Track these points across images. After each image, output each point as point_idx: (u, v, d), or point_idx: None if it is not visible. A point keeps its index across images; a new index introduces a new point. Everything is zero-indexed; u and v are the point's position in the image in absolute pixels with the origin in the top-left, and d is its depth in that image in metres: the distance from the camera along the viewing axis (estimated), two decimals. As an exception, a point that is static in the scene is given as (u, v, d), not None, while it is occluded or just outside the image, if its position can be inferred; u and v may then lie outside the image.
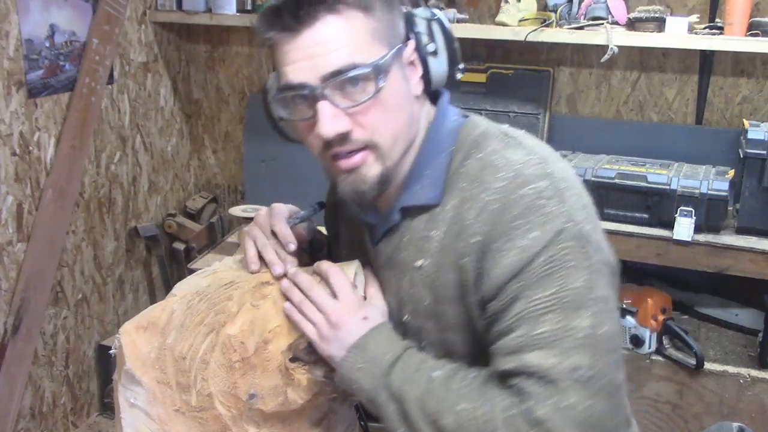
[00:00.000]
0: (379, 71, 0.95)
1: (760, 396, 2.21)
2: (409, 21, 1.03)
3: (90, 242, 2.66)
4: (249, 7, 2.94)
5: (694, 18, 2.47)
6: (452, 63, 1.05)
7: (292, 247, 1.12)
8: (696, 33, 2.44)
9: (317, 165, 3.70)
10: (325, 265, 1.08)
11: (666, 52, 2.68)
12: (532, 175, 0.95)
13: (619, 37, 2.42)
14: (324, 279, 1.07)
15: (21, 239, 2.30)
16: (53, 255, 2.43)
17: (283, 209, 1.21)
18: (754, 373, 2.23)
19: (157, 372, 1.07)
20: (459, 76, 1.06)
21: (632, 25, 2.50)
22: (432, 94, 1.09)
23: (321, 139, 0.97)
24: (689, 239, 2.25)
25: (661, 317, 2.31)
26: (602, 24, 2.48)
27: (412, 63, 1.02)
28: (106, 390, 2.74)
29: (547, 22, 2.53)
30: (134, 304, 2.96)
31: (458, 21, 2.69)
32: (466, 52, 2.91)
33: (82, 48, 2.45)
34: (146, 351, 1.07)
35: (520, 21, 2.60)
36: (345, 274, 1.07)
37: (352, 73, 0.93)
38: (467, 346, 1.02)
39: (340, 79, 0.94)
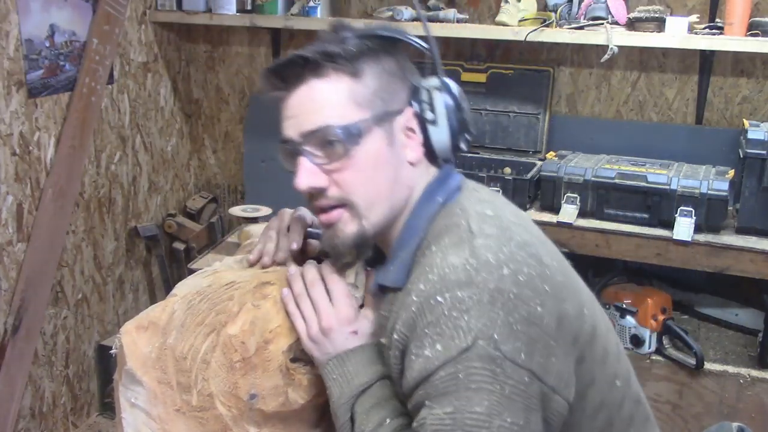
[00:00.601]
0: (349, 133, 1.00)
1: (760, 396, 2.22)
2: (414, 90, 1.07)
3: (90, 242, 2.66)
4: (249, 7, 2.94)
5: (694, 18, 2.47)
6: (456, 133, 1.07)
7: (294, 246, 1.17)
8: (696, 33, 2.44)
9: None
10: (327, 270, 1.09)
11: (666, 52, 2.68)
12: (455, 282, 0.91)
13: (619, 37, 2.42)
14: (324, 279, 1.08)
15: (21, 239, 2.30)
16: (53, 255, 2.43)
17: (309, 215, 1.24)
18: (754, 373, 2.23)
19: (158, 372, 1.07)
20: (464, 147, 1.08)
21: (632, 25, 2.50)
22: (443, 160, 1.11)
23: (299, 190, 1.04)
24: (689, 239, 2.25)
25: (661, 317, 2.31)
26: (602, 24, 2.48)
27: (410, 130, 1.06)
28: (106, 390, 2.74)
29: (547, 22, 2.53)
30: (134, 304, 2.96)
31: (458, 21, 2.69)
32: (466, 52, 2.93)
33: (82, 48, 2.45)
34: (147, 351, 1.07)
35: (520, 21, 2.60)
36: (344, 281, 1.08)
37: (323, 134, 1.00)
38: None
39: (315, 137, 1.01)
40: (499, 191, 2.58)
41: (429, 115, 1.05)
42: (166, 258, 3.03)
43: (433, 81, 1.07)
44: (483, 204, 1.04)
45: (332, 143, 1.00)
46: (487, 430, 0.86)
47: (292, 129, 1.04)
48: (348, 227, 1.03)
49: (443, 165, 1.11)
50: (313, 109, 1.01)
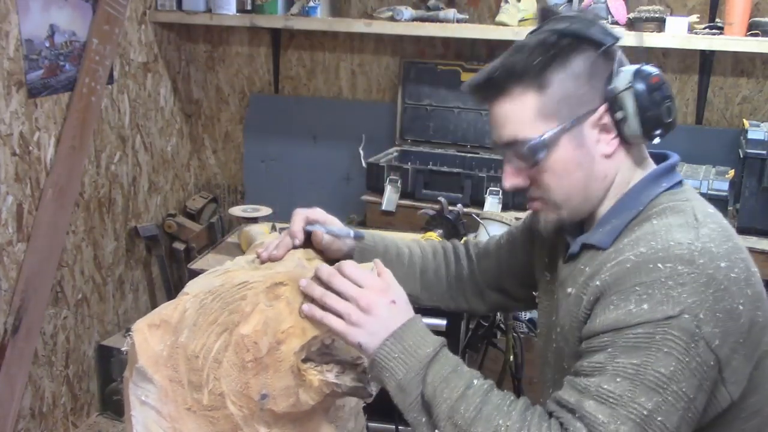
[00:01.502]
0: (536, 148, 1.07)
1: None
2: (605, 89, 1.07)
3: (90, 242, 2.66)
4: (249, 7, 2.94)
5: (694, 18, 2.47)
6: (648, 129, 1.07)
7: (297, 242, 1.21)
8: (696, 33, 2.44)
9: (316, 166, 3.68)
10: (339, 263, 1.09)
11: (666, 52, 2.68)
12: (678, 256, 0.97)
13: (619, 37, 2.42)
14: (340, 272, 1.07)
15: (21, 239, 2.29)
16: (53, 255, 2.43)
17: (321, 215, 1.27)
18: (755, 372, 2.23)
19: (169, 370, 1.06)
20: (656, 141, 1.09)
21: (632, 25, 2.50)
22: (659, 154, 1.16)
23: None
24: (689, 239, 2.25)
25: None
26: (602, 24, 2.48)
27: (603, 126, 1.08)
28: (107, 390, 2.74)
29: (547, 22, 2.53)
30: (134, 304, 2.96)
31: (458, 21, 2.69)
32: (466, 52, 2.93)
33: (82, 48, 2.45)
34: (158, 349, 1.07)
35: (520, 21, 2.60)
36: (356, 264, 1.08)
37: (512, 149, 1.09)
38: None
39: (509, 150, 1.10)
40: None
41: (619, 115, 1.06)
42: (166, 258, 3.03)
43: (625, 74, 1.06)
44: (704, 203, 1.10)
45: (526, 153, 1.07)
46: (663, 390, 0.93)
47: (494, 136, 1.13)
48: (549, 216, 1.13)
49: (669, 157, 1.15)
50: (502, 125, 1.09)
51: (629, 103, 1.05)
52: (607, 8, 2.53)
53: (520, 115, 1.07)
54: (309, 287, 1.06)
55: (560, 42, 1.06)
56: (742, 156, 2.33)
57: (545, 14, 1.13)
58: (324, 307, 1.05)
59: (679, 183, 1.12)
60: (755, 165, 2.26)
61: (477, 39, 2.81)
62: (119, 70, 2.74)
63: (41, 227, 2.34)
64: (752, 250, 2.23)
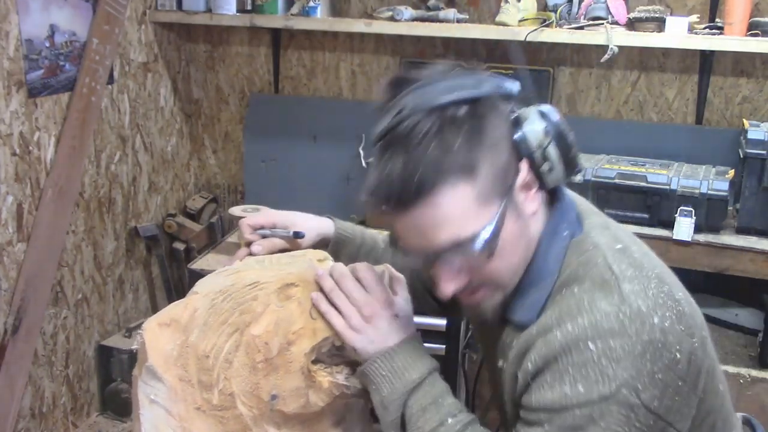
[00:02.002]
0: (486, 241, 0.94)
1: (760, 396, 2.22)
2: (521, 144, 0.98)
3: (90, 242, 2.66)
4: (249, 7, 2.94)
5: (694, 18, 2.47)
6: (569, 172, 1.01)
7: (256, 250, 1.24)
8: (696, 33, 2.44)
9: (316, 166, 3.68)
10: (354, 264, 1.09)
11: (666, 52, 2.68)
12: (608, 331, 0.92)
13: (619, 37, 2.42)
14: (353, 273, 1.08)
15: (21, 239, 2.29)
16: (53, 255, 2.43)
17: (265, 218, 1.27)
18: (754, 373, 2.23)
19: (179, 369, 1.06)
20: (578, 179, 1.03)
21: (632, 25, 2.51)
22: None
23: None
24: (689, 239, 2.25)
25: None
26: (602, 24, 2.48)
27: (527, 185, 0.99)
28: (106, 390, 2.74)
29: (547, 22, 2.53)
30: (134, 304, 2.96)
31: (458, 21, 2.69)
32: (466, 52, 2.92)
33: (82, 48, 2.45)
34: (168, 348, 1.06)
35: (520, 21, 2.60)
36: (374, 269, 1.08)
37: (457, 254, 0.95)
38: None
39: (451, 255, 0.96)
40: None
41: (546, 166, 0.98)
42: (166, 258, 3.03)
43: (534, 123, 0.98)
44: (606, 233, 1.04)
45: (474, 252, 0.95)
46: None
47: (419, 248, 0.97)
48: (494, 300, 1.03)
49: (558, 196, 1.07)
50: (434, 229, 0.94)
51: (552, 151, 0.98)
52: (607, 8, 2.53)
53: (459, 212, 0.93)
54: (322, 278, 1.07)
55: (460, 116, 0.93)
56: (742, 156, 2.33)
57: (397, 84, 0.96)
58: (330, 303, 1.06)
59: (577, 220, 1.05)
60: (755, 165, 2.26)
61: (477, 39, 2.81)
62: (119, 70, 2.74)
63: (41, 227, 2.34)
64: (752, 251, 2.23)
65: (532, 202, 1.01)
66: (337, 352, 1.07)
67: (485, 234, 0.94)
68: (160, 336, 1.07)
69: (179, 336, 1.07)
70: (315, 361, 1.05)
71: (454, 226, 0.93)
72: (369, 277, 1.08)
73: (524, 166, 0.98)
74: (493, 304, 1.04)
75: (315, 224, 1.31)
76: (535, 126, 0.98)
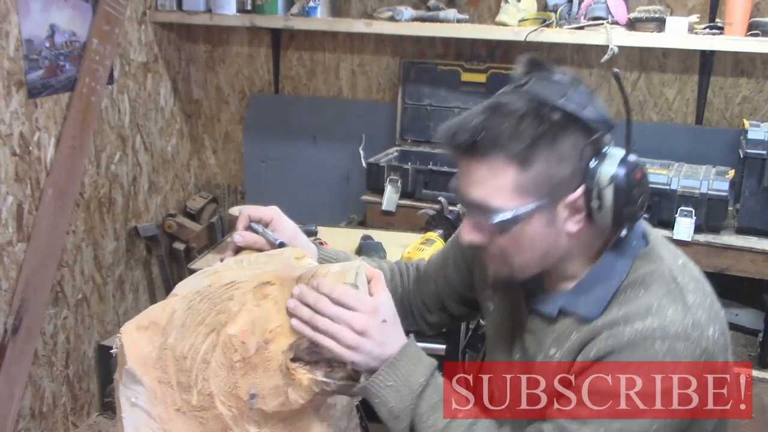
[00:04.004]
0: (504, 222, 1.04)
1: (760, 396, 2.22)
2: (588, 174, 1.04)
3: (90, 242, 2.66)
4: (249, 7, 2.94)
5: (694, 18, 2.47)
6: (618, 222, 1.05)
7: (239, 243, 1.25)
8: (696, 33, 2.44)
9: (316, 166, 3.68)
10: (326, 283, 1.07)
11: (666, 52, 2.68)
12: (675, 334, 1.01)
13: (619, 37, 2.42)
14: (330, 297, 1.06)
15: (21, 239, 2.30)
16: (53, 255, 2.43)
17: (269, 213, 1.29)
18: (754, 373, 2.23)
19: (158, 371, 1.07)
20: (623, 234, 1.08)
21: (632, 25, 2.51)
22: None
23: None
24: (689, 239, 2.25)
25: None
26: (602, 24, 2.48)
27: (576, 208, 1.06)
28: (107, 390, 2.74)
29: (547, 22, 2.53)
30: (134, 304, 2.96)
31: (458, 21, 2.69)
32: (466, 52, 2.93)
33: (82, 48, 2.45)
34: (147, 350, 1.07)
35: (520, 21, 2.60)
36: (341, 283, 1.06)
37: (478, 212, 1.06)
38: None
39: (474, 210, 1.07)
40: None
41: (594, 204, 1.04)
42: (166, 258, 3.03)
43: (612, 161, 1.03)
44: (668, 248, 1.14)
45: (489, 223, 1.04)
46: None
47: (459, 188, 1.08)
48: (502, 272, 1.12)
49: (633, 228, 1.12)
50: (474, 184, 1.05)
51: (608, 195, 1.03)
52: (607, 8, 2.53)
53: (496, 184, 1.03)
54: (297, 309, 1.05)
55: (551, 118, 1.01)
56: (742, 156, 2.33)
57: (533, 65, 1.08)
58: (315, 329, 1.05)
59: (643, 235, 1.12)
60: (755, 165, 2.26)
61: (477, 39, 2.81)
62: (119, 70, 2.74)
63: (41, 227, 2.34)
64: (752, 251, 2.23)
65: (575, 224, 1.07)
66: (316, 349, 1.06)
67: (504, 216, 1.03)
68: (138, 339, 1.07)
69: (158, 338, 1.07)
70: (294, 359, 1.05)
71: (485, 191, 1.04)
72: (344, 293, 1.06)
73: (580, 191, 1.04)
74: (502, 276, 1.13)
75: (303, 244, 1.32)
76: (610, 167, 1.03)
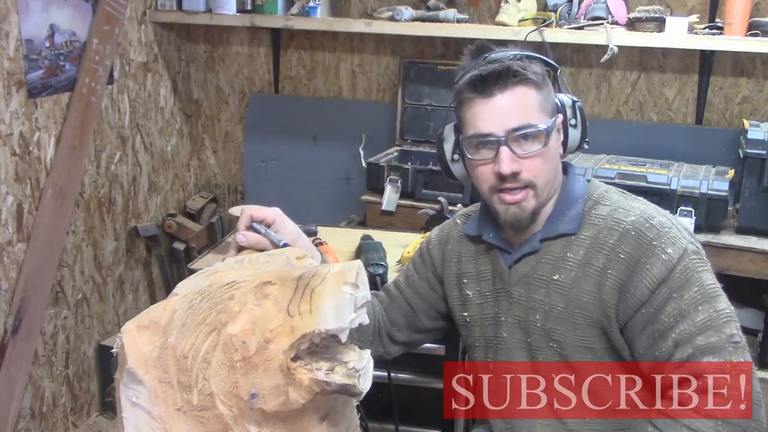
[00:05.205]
0: (547, 132, 1.26)
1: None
2: (561, 102, 1.34)
3: (90, 242, 2.66)
4: (249, 7, 2.94)
5: (694, 18, 2.47)
6: (583, 136, 1.36)
7: (241, 242, 1.29)
8: (696, 33, 2.44)
9: (316, 166, 3.68)
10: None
11: (666, 52, 2.69)
12: (652, 214, 1.26)
13: (619, 37, 2.42)
14: None
15: (21, 239, 2.30)
16: (53, 255, 2.43)
17: (273, 214, 1.32)
18: (754, 373, 2.23)
19: (159, 371, 1.06)
20: (586, 147, 1.37)
21: (632, 25, 2.51)
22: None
23: (497, 175, 1.27)
24: (689, 239, 2.24)
25: (661, 317, 2.31)
26: (602, 24, 2.48)
27: (558, 130, 1.33)
28: (107, 390, 2.74)
29: (547, 22, 2.53)
30: (134, 304, 2.96)
31: (458, 21, 2.69)
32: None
33: (82, 48, 2.45)
34: (148, 350, 1.07)
35: (520, 21, 2.60)
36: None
37: (528, 130, 1.25)
38: (595, 340, 1.29)
39: (519, 133, 1.25)
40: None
41: (572, 121, 1.34)
42: (166, 258, 3.03)
43: (567, 98, 1.35)
44: (608, 186, 1.38)
45: (529, 138, 1.26)
46: (719, 291, 1.21)
47: (495, 126, 1.26)
48: (530, 204, 1.29)
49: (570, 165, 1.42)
50: (517, 111, 1.25)
51: (578, 113, 1.34)
52: (607, 8, 2.53)
53: (532, 104, 1.26)
54: None
55: (537, 61, 1.31)
56: (742, 156, 2.33)
57: (481, 48, 1.34)
58: None
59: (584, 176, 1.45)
60: (755, 165, 2.26)
61: (477, 39, 2.81)
62: (119, 70, 2.74)
63: (41, 227, 2.34)
64: (752, 251, 2.23)
65: (559, 147, 1.33)
66: (317, 349, 1.06)
67: (545, 125, 1.26)
68: (139, 338, 1.07)
69: (158, 338, 1.07)
70: (294, 359, 1.05)
71: (527, 113, 1.26)
72: None
73: (560, 116, 1.32)
74: (529, 209, 1.28)
75: (305, 246, 1.35)
76: (567, 99, 1.35)
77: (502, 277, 1.38)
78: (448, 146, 1.40)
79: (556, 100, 1.33)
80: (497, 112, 1.26)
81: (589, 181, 1.39)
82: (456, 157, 1.39)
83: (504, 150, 1.25)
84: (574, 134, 1.35)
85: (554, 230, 1.31)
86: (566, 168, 1.38)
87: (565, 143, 1.35)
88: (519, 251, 1.35)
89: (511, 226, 1.32)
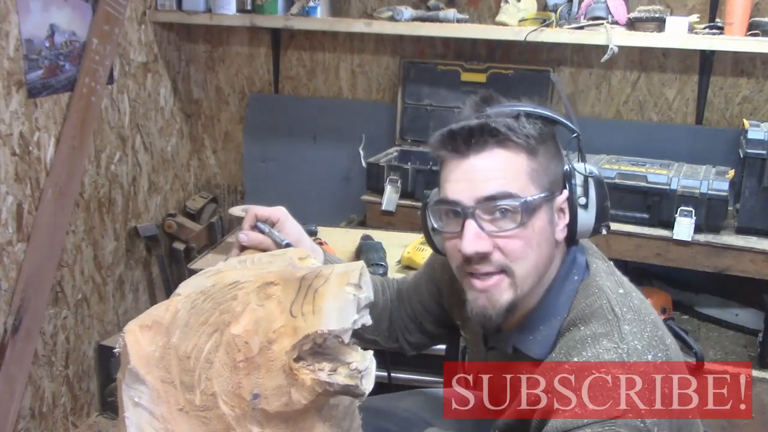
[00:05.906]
0: (527, 207, 1.05)
1: (760, 396, 2.22)
2: (568, 174, 1.12)
3: (90, 242, 2.66)
4: (249, 7, 2.94)
5: (694, 18, 2.47)
6: (599, 219, 1.13)
7: (243, 242, 1.25)
8: (696, 33, 2.44)
9: (316, 166, 3.68)
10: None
11: (666, 52, 2.69)
12: (610, 362, 1.00)
13: (619, 37, 2.42)
14: None
15: (21, 239, 2.29)
16: (53, 255, 2.43)
17: (277, 213, 1.29)
18: (754, 373, 2.23)
19: (161, 371, 1.06)
20: (604, 231, 1.14)
21: (632, 25, 2.51)
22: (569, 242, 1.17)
23: (462, 254, 1.06)
24: (689, 239, 2.25)
25: (661, 317, 2.31)
26: (602, 24, 2.48)
27: (561, 210, 1.11)
28: (107, 390, 2.74)
29: (547, 22, 2.53)
30: (134, 304, 2.96)
31: (458, 21, 2.69)
32: (466, 52, 2.93)
33: (82, 48, 2.45)
34: (150, 350, 1.07)
35: (520, 21, 2.60)
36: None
37: (502, 203, 1.04)
38: None
39: (492, 205, 1.05)
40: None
41: (582, 200, 1.11)
42: (166, 258, 3.03)
43: (584, 168, 1.12)
44: (610, 278, 1.13)
45: (507, 212, 1.05)
46: None
47: (463, 193, 1.06)
48: (504, 295, 1.08)
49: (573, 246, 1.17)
50: (493, 177, 1.05)
51: (592, 190, 1.11)
52: (607, 8, 2.53)
53: (517, 171, 1.06)
54: None
55: (542, 119, 1.10)
56: (742, 156, 2.33)
57: (485, 100, 1.14)
58: None
59: (586, 267, 1.14)
60: (755, 165, 2.26)
61: (477, 39, 2.81)
62: (119, 70, 2.74)
63: (41, 227, 2.34)
64: (752, 251, 2.23)
65: (560, 231, 1.11)
66: (319, 350, 1.06)
67: (530, 197, 1.05)
68: (142, 338, 1.07)
69: (161, 338, 1.07)
70: (297, 359, 1.05)
71: (505, 180, 1.05)
72: None
73: (565, 194, 1.11)
74: (504, 303, 1.08)
75: (308, 246, 1.34)
76: (582, 168, 1.12)
77: (480, 350, 1.27)
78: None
79: (562, 174, 1.11)
80: (469, 176, 1.06)
81: (586, 267, 1.14)
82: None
83: (470, 224, 1.05)
84: (585, 218, 1.11)
85: (525, 346, 1.12)
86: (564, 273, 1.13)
87: (572, 227, 1.12)
88: (493, 341, 1.20)
89: (479, 322, 1.13)
